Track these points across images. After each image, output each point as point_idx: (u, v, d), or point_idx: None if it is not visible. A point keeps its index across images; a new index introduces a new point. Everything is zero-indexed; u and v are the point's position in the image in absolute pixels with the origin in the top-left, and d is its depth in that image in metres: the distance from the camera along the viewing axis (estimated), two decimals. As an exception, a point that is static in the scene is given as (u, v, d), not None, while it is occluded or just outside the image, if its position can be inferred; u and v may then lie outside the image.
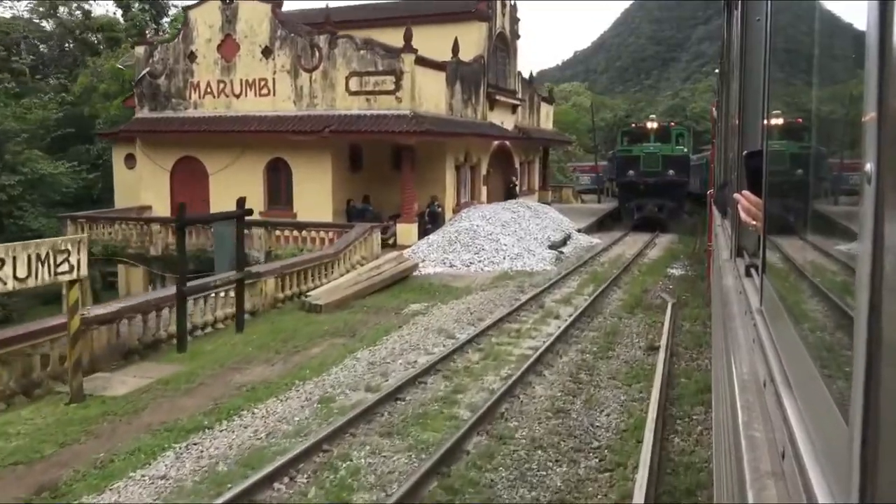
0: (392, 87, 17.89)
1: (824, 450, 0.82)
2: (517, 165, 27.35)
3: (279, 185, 18.84)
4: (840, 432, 0.70)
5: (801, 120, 1.56)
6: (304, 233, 16.29)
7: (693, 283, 15.21)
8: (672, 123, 26.47)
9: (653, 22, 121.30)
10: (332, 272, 13.91)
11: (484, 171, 23.35)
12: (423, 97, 17.89)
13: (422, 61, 17.61)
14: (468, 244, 16.90)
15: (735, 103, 3.04)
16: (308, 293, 12.65)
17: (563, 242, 19.67)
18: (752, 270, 2.00)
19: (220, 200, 17.34)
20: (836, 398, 0.81)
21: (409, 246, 16.68)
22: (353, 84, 18.18)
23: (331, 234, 15.92)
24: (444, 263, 15.93)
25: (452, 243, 17.01)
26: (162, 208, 19.76)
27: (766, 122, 1.81)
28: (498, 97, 24.03)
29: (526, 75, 30.93)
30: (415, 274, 14.87)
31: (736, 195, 1.96)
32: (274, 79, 18.96)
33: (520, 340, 10.15)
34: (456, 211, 19.25)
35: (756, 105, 2.14)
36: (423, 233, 17.33)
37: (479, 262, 16.16)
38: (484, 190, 23.56)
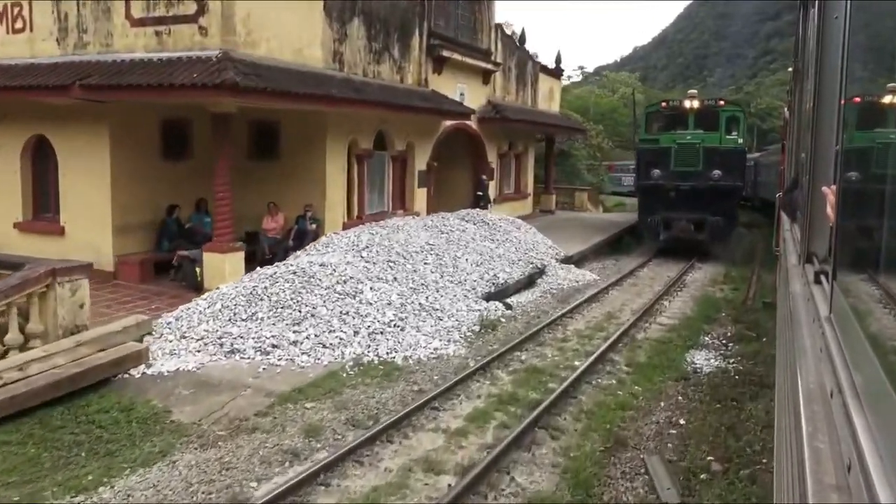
0: (193, 9, 11.61)
1: (894, 465, 0.80)
2: (493, 159, 22.57)
3: (47, 181, 13.52)
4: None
5: (880, 120, 1.49)
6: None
7: (740, 406, 7.81)
8: (721, 102, 20.22)
9: (717, 17, 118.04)
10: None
11: (421, 165, 18.15)
12: (263, 32, 12.05)
13: (259, -34, 12.78)
14: (288, 303, 9.78)
15: (809, 103, 2.92)
16: None
17: (528, 283, 14.14)
18: (822, 277, 1.93)
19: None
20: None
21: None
22: (137, 7, 12.11)
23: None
24: (220, 346, 8.80)
25: (254, 301, 9.80)
26: None
27: (841, 121, 1.75)
28: (452, 55, 18.39)
29: (551, 56, 25.95)
30: (137, 373, 8.05)
31: (824, 189, 1.88)
32: (30, 4, 13.37)
33: None
34: (347, 227, 14.45)
35: (832, 104, 2.06)
36: (268, 263, 12.27)
37: (298, 343, 8.95)
38: (420, 194, 18.32)
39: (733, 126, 19.37)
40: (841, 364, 1.47)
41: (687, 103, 19.08)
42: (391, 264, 11.84)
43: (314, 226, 13.79)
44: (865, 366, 1.20)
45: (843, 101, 1.93)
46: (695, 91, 21.06)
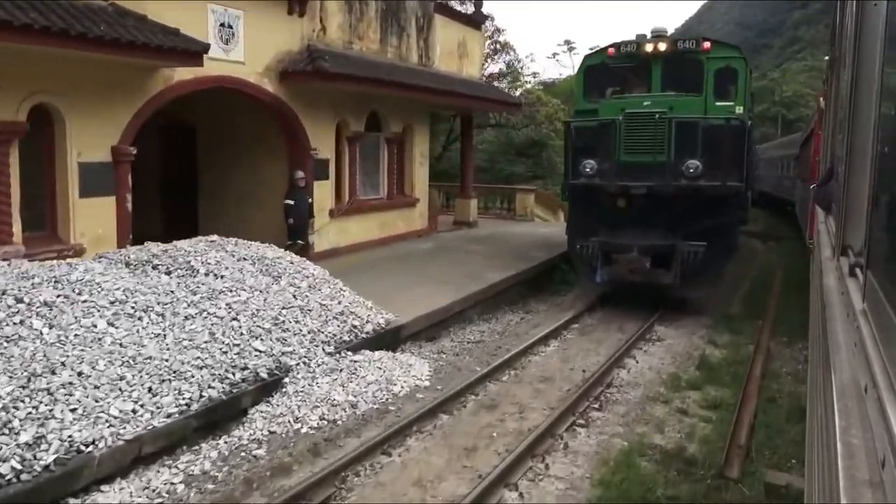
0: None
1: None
2: (327, 144, 14.17)
3: None
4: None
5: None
6: None
7: None
8: (706, 44, 11.77)
9: (742, 6, 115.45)
10: None
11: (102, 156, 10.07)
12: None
13: None
14: None
15: (846, 92, 2.88)
16: None
17: (206, 425, 6.38)
18: (857, 270, 1.91)
19: None
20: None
21: None
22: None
23: None
24: None
25: None
26: None
27: (880, 111, 1.72)
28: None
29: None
30: None
31: None
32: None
33: None
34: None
35: (870, 93, 2.02)
36: None
37: None
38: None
39: (728, 84, 11.78)
40: (876, 358, 1.45)
41: (649, 47, 11.68)
42: None
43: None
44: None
45: (881, 92, 1.89)
46: (663, 27, 13.04)
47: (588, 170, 11.53)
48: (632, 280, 11.36)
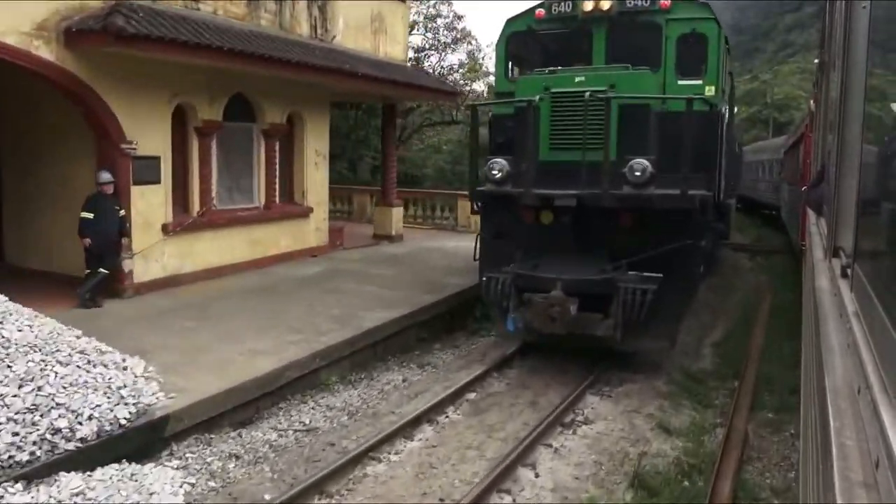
0: None
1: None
2: (160, 133, 10.69)
3: None
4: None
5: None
6: None
7: None
8: (664, 1, 8.69)
9: (735, 10, 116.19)
10: None
11: None
12: None
13: None
14: None
15: (836, 95, 2.90)
16: None
17: None
18: (849, 271, 1.92)
19: None
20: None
21: None
22: None
23: None
24: None
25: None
26: None
27: (866, 112, 1.74)
28: None
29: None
30: None
31: None
32: None
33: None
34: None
35: (858, 95, 2.04)
36: None
37: None
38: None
39: (694, 55, 8.89)
40: (868, 359, 1.46)
41: (588, 5, 8.94)
42: None
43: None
44: (894, 361, 1.19)
45: (867, 94, 1.91)
46: None
47: (495, 172, 8.46)
48: (552, 331, 7.98)
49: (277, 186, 13.48)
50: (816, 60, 12.55)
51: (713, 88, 8.77)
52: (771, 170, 24.65)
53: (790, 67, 67.14)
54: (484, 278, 8.74)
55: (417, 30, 28.77)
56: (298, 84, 13.00)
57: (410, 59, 20.92)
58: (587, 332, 8.10)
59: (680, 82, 8.81)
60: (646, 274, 8.07)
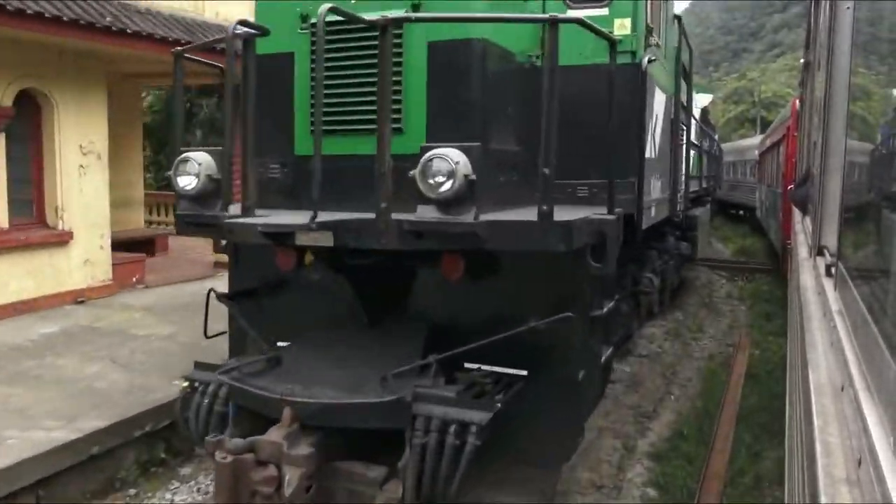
0: None
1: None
2: None
3: None
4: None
5: (887, 112, 1.49)
6: None
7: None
8: None
9: (723, 11, 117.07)
10: None
11: None
12: None
13: None
14: None
15: (820, 94, 2.92)
16: None
17: None
18: (833, 270, 1.93)
19: None
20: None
21: None
22: None
23: None
24: None
25: None
26: None
27: (850, 112, 1.75)
28: None
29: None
30: None
31: None
32: None
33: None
34: None
35: (842, 94, 2.05)
36: None
37: None
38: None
39: None
40: (852, 357, 1.47)
41: None
42: None
43: None
44: (877, 359, 1.20)
45: (850, 94, 1.93)
46: None
47: (185, 181, 4.23)
48: None
49: (6, 202, 8.64)
50: (802, 60, 12.66)
51: (630, 25, 4.93)
52: (745, 171, 23.72)
53: (778, 65, 67.33)
54: (185, 383, 4.39)
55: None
56: (32, 46, 8.50)
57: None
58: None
59: (570, 12, 4.85)
60: (494, 369, 4.08)
